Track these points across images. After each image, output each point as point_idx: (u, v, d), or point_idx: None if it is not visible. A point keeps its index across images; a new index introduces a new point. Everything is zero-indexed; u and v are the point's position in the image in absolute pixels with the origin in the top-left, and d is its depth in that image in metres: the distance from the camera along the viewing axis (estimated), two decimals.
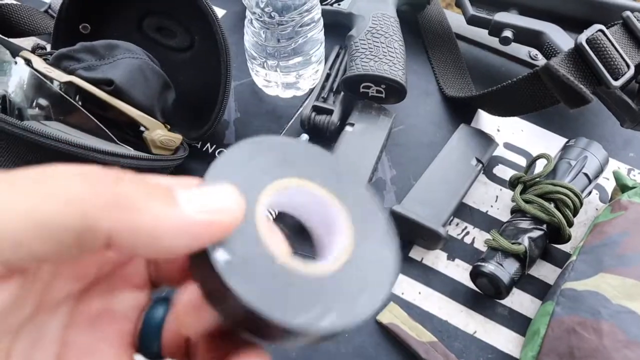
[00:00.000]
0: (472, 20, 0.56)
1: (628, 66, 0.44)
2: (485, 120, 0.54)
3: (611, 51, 0.44)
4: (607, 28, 0.46)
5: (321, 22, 0.51)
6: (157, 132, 0.45)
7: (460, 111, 0.55)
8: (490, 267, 0.41)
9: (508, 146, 0.53)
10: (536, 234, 0.43)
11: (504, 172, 0.51)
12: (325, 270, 0.18)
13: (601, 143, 0.49)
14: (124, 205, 0.15)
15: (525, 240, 0.42)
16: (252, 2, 0.46)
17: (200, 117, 0.51)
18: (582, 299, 0.40)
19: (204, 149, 0.52)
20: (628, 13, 0.47)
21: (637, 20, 0.46)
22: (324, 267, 0.18)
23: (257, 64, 0.52)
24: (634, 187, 0.46)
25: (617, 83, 0.44)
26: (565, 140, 0.52)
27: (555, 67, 0.41)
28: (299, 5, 0.46)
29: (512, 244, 0.42)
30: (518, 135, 0.54)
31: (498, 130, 0.54)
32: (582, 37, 0.44)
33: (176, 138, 0.47)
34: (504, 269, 0.41)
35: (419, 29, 0.61)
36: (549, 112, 0.53)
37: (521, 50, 0.60)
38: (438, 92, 0.56)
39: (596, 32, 0.44)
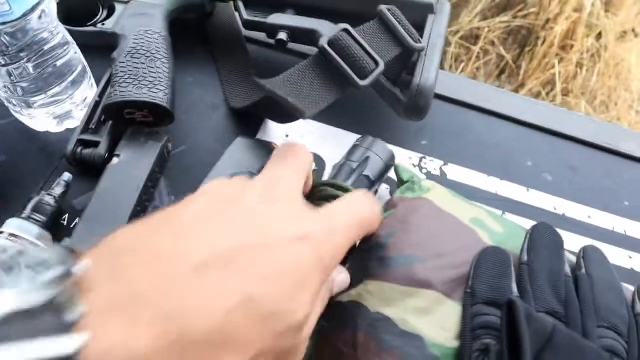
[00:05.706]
0: (247, 25, 0.54)
1: (377, 63, 0.43)
2: (274, 129, 0.52)
3: (355, 50, 0.43)
4: (366, 23, 0.46)
5: (71, 45, 0.47)
6: None
7: (247, 123, 0.53)
8: None
9: None
10: None
11: None
12: None
13: (395, 134, 0.48)
14: None
15: None
16: None
17: None
18: (346, 313, 0.38)
19: None
20: (382, 7, 0.46)
21: (391, 13, 0.46)
22: None
23: (14, 104, 0.47)
24: (407, 182, 0.45)
25: (365, 82, 0.43)
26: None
27: (268, 87, 0.40)
28: (33, 37, 0.42)
29: None
30: (308, 138, 0.52)
31: (287, 136, 0.52)
32: (324, 40, 0.42)
33: None
34: None
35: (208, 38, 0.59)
36: (341, 110, 0.52)
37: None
38: (225, 105, 0.54)
39: (339, 32, 0.43)
